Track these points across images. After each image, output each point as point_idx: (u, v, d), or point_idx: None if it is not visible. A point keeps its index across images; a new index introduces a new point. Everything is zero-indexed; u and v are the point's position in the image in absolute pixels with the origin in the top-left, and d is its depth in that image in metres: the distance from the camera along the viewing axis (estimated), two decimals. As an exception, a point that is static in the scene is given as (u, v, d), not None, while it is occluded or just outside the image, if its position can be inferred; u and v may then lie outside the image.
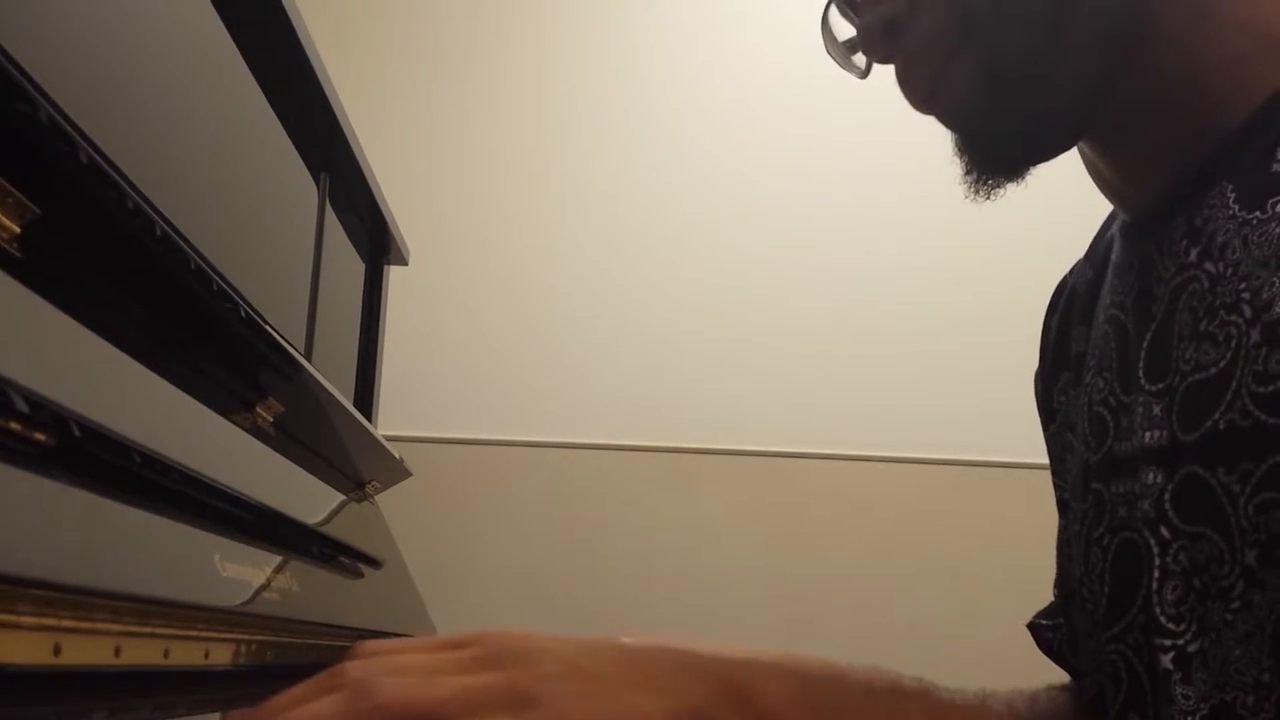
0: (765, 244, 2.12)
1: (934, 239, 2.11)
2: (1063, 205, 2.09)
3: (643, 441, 2.03)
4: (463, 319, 2.09)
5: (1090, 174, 0.62)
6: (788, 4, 2.20)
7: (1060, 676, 0.75)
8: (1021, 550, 2.00)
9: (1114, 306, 0.60)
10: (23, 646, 0.38)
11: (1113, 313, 0.60)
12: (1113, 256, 0.63)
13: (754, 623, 1.93)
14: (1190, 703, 0.50)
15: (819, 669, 0.46)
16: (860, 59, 0.63)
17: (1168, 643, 0.51)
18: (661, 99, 2.18)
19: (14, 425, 0.40)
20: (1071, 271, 0.72)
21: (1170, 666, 0.51)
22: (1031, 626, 0.78)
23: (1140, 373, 0.56)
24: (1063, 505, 0.69)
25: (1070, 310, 0.69)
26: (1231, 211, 0.51)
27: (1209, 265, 0.51)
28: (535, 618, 1.89)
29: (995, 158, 0.58)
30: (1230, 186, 0.51)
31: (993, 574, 1.96)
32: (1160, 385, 0.54)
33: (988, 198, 0.60)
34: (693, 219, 2.13)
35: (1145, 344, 0.56)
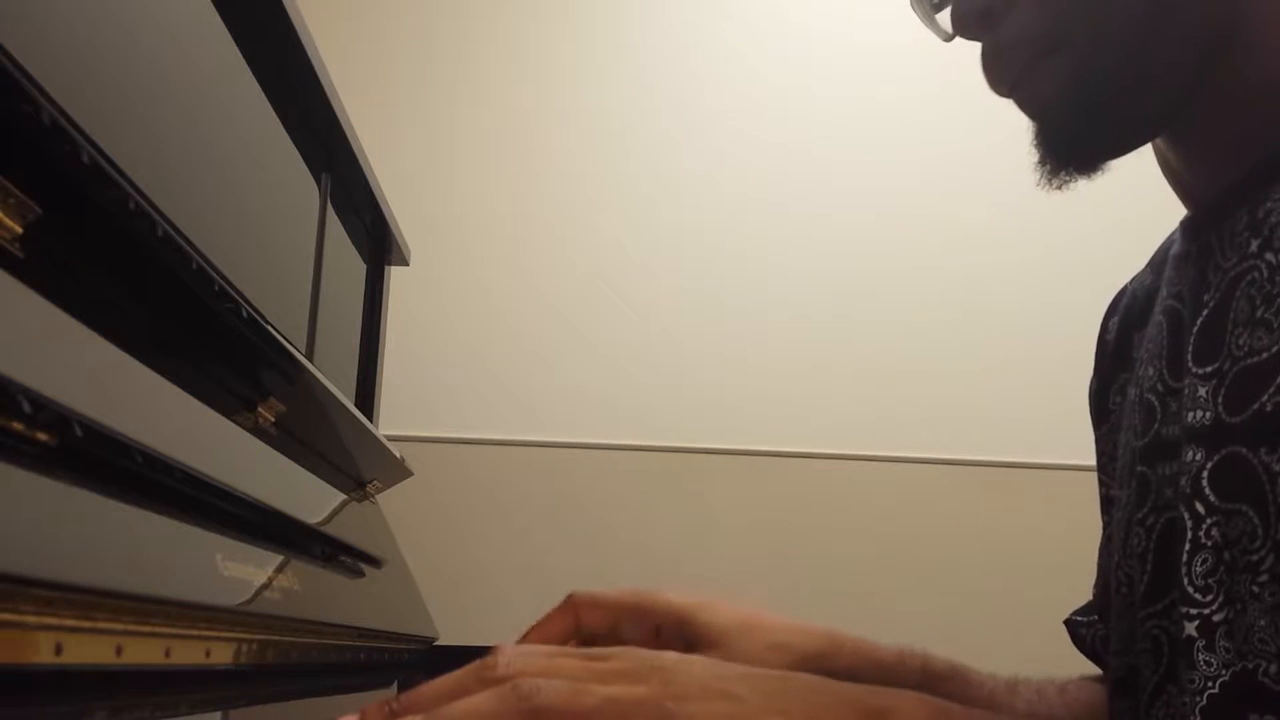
0: (766, 244, 2.12)
1: (935, 240, 2.11)
2: (1065, 206, 2.09)
3: (643, 441, 2.03)
4: (463, 319, 2.09)
5: (1159, 164, 0.64)
6: (789, 4, 2.20)
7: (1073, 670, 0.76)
8: (1022, 550, 2.01)
9: (1170, 297, 0.62)
10: (24, 646, 0.38)
11: (1169, 303, 0.62)
12: (1171, 252, 0.65)
13: (754, 622, 1.93)
14: (1212, 669, 0.51)
15: (948, 700, 0.46)
16: (946, 21, 0.63)
17: (1193, 611, 0.53)
18: (662, 99, 2.18)
19: (16, 425, 0.40)
20: (1133, 279, 0.74)
21: (1194, 634, 0.52)
22: (1068, 623, 0.80)
23: (1190, 357, 0.58)
24: (1108, 503, 0.70)
25: (1130, 314, 0.71)
26: None
27: (1269, 255, 0.53)
28: (536, 617, 1.89)
29: (1073, 153, 0.59)
30: None
31: (993, 574, 1.96)
32: (1209, 369, 0.56)
33: (1058, 189, 0.61)
34: (693, 219, 2.13)
35: (1196, 329, 0.58)
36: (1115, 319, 0.74)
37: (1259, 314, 0.53)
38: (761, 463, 2.03)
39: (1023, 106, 0.60)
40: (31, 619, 0.39)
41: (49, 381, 0.43)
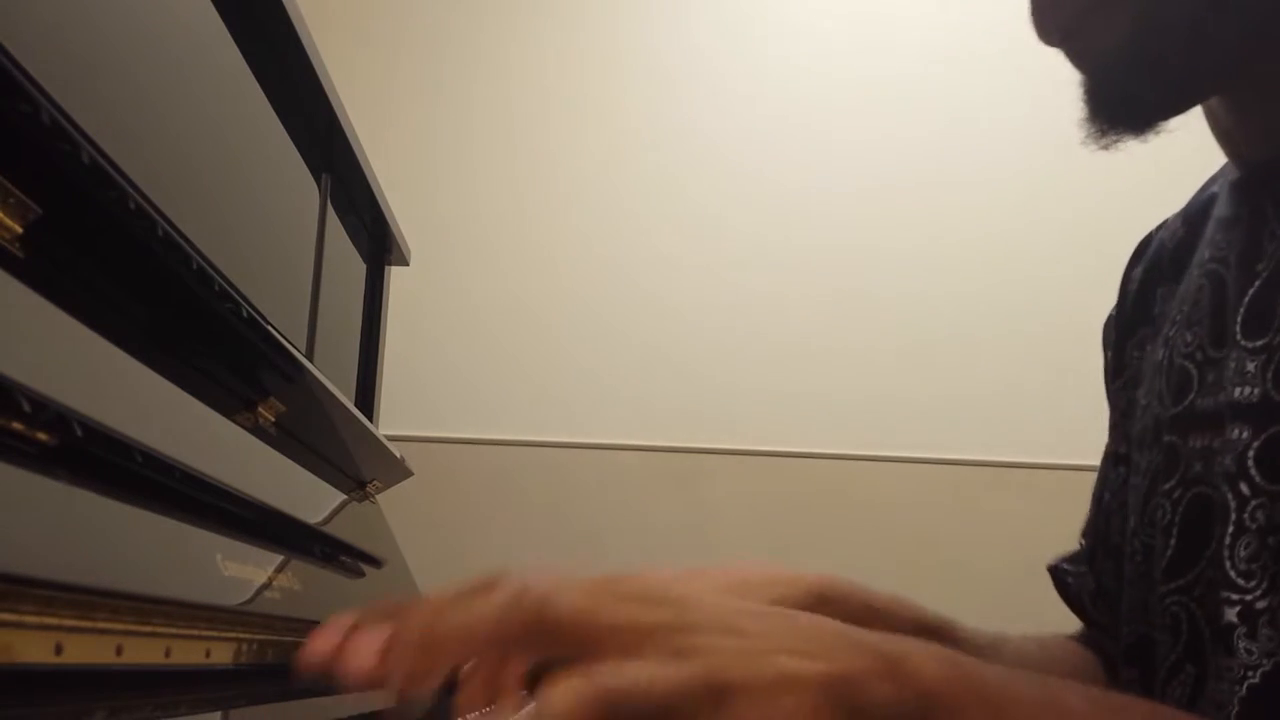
0: (767, 244, 2.12)
1: (936, 240, 2.11)
2: (1066, 207, 2.09)
3: (644, 441, 2.03)
4: (463, 319, 2.09)
5: (1208, 120, 0.60)
6: (788, 8, 2.20)
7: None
8: (1022, 550, 2.01)
9: (1213, 261, 0.59)
10: (25, 645, 0.39)
11: (1211, 266, 0.59)
12: (1215, 212, 0.62)
13: (754, 622, 1.93)
14: (1253, 657, 0.50)
15: (964, 655, 0.45)
16: None
17: (1234, 596, 0.51)
18: (663, 99, 2.18)
19: (16, 425, 0.40)
20: (1161, 227, 0.71)
21: (1235, 620, 0.51)
22: (1054, 570, 0.78)
23: (1238, 328, 0.55)
24: (1116, 459, 0.68)
25: (1157, 265, 0.68)
26: None
27: None
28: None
29: (1127, 109, 0.55)
30: None
31: (993, 574, 1.96)
32: (1260, 342, 0.53)
33: (1105, 148, 0.57)
34: (694, 219, 2.13)
35: (1247, 299, 0.55)
36: (1139, 269, 0.70)
37: None
38: (761, 463, 2.03)
39: (1075, 58, 0.55)
40: (31, 618, 0.39)
41: (49, 381, 0.43)
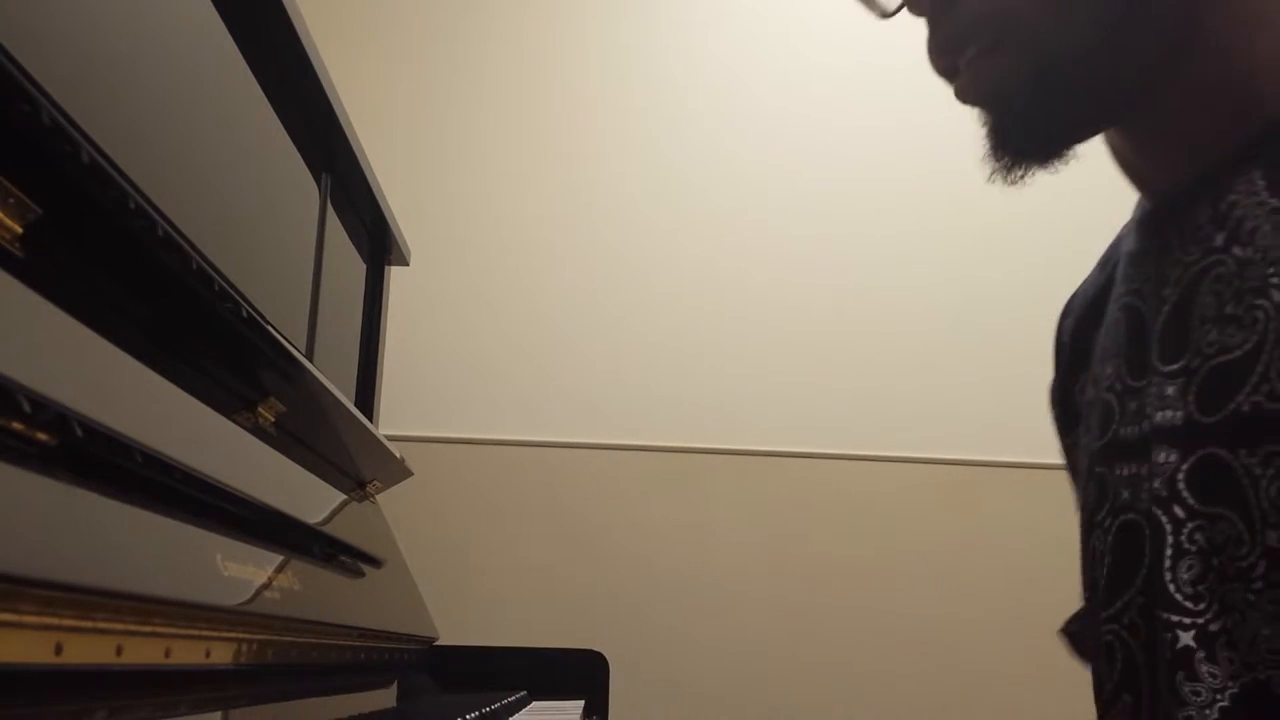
0: (766, 244, 2.12)
1: (936, 240, 2.11)
2: (1065, 207, 2.09)
3: (643, 441, 2.03)
4: (463, 319, 2.09)
5: (1113, 157, 0.62)
6: (786, 6, 2.20)
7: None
8: (1021, 550, 2.01)
9: (1128, 294, 0.60)
10: (25, 645, 0.39)
11: (1126, 300, 0.60)
12: (1125, 248, 0.63)
13: (754, 622, 1.93)
14: (1218, 680, 0.50)
15: None
16: None
17: (1186, 620, 0.51)
18: (663, 99, 2.18)
19: (16, 425, 0.40)
20: (1085, 282, 0.73)
21: (1192, 644, 0.51)
22: (1064, 633, 0.78)
23: (1154, 355, 0.56)
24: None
25: (1085, 315, 0.70)
26: (1261, 198, 0.52)
27: (1236, 250, 0.52)
28: (536, 617, 1.89)
29: (1028, 142, 0.57)
30: (1260, 175, 0.52)
31: (993, 574, 1.96)
32: (1176, 366, 0.54)
33: (1013, 182, 0.59)
34: (693, 219, 2.13)
35: (1159, 326, 0.56)
36: (1069, 320, 0.72)
37: (1227, 310, 0.52)
38: (761, 463, 2.03)
39: (969, 92, 0.57)
40: (31, 619, 0.39)
41: (49, 381, 0.43)
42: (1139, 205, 0.64)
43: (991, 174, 0.59)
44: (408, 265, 1.47)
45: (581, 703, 1.20)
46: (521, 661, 1.28)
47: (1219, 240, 0.53)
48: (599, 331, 2.09)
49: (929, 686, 1.90)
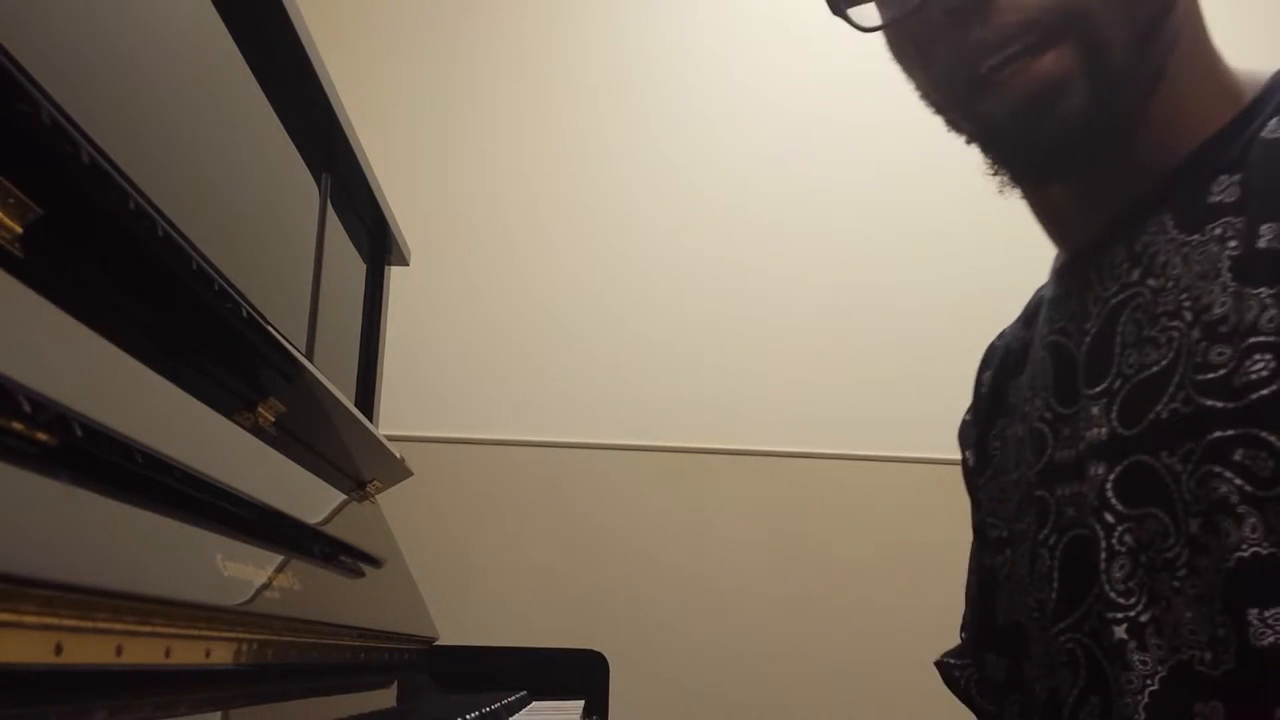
0: (766, 244, 2.12)
1: (935, 240, 2.11)
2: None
3: (643, 441, 2.03)
4: (463, 319, 2.09)
5: (1043, 210, 0.69)
6: (786, 5, 2.20)
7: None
8: (1022, 550, 2.01)
9: (1052, 334, 0.67)
10: (24, 645, 0.39)
11: (1051, 339, 0.67)
12: (1046, 296, 0.70)
13: (754, 623, 1.93)
14: (1148, 666, 0.54)
15: None
16: (867, 13, 0.63)
17: (1119, 615, 0.56)
18: (663, 99, 2.18)
19: (17, 425, 0.40)
20: (1003, 335, 0.79)
21: (1124, 636, 0.55)
22: (940, 665, 0.83)
23: (1081, 381, 0.62)
24: (997, 546, 0.73)
25: (1005, 365, 0.76)
26: (1171, 235, 0.58)
27: (1151, 281, 0.58)
28: (536, 617, 1.89)
29: (1052, 151, 0.59)
30: (1169, 215, 0.59)
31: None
32: (1100, 388, 0.60)
33: (1011, 193, 0.66)
34: (694, 219, 2.13)
35: (1084, 354, 0.62)
36: (989, 372, 0.78)
37: (1145, 333, 0.57)
38: (761, 463, 2.03)
39: (1015, 91, 0.57)
40: (31, 619, 0.39)
41: (49, 381, 0.43)
42: (1057, 258, 0.71)
43: (1004, 183, 0.64)
44: (408, 265, 1.47)
45: (581, 703, 1.20)
46: (521, 661, 1.28)
47: (1135, 275, 0.60)
48: (599, 331, 2.09)
49: (929, 686, 1.90)
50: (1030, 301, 0.76)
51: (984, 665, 0.75)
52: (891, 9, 0.61)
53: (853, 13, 0.63)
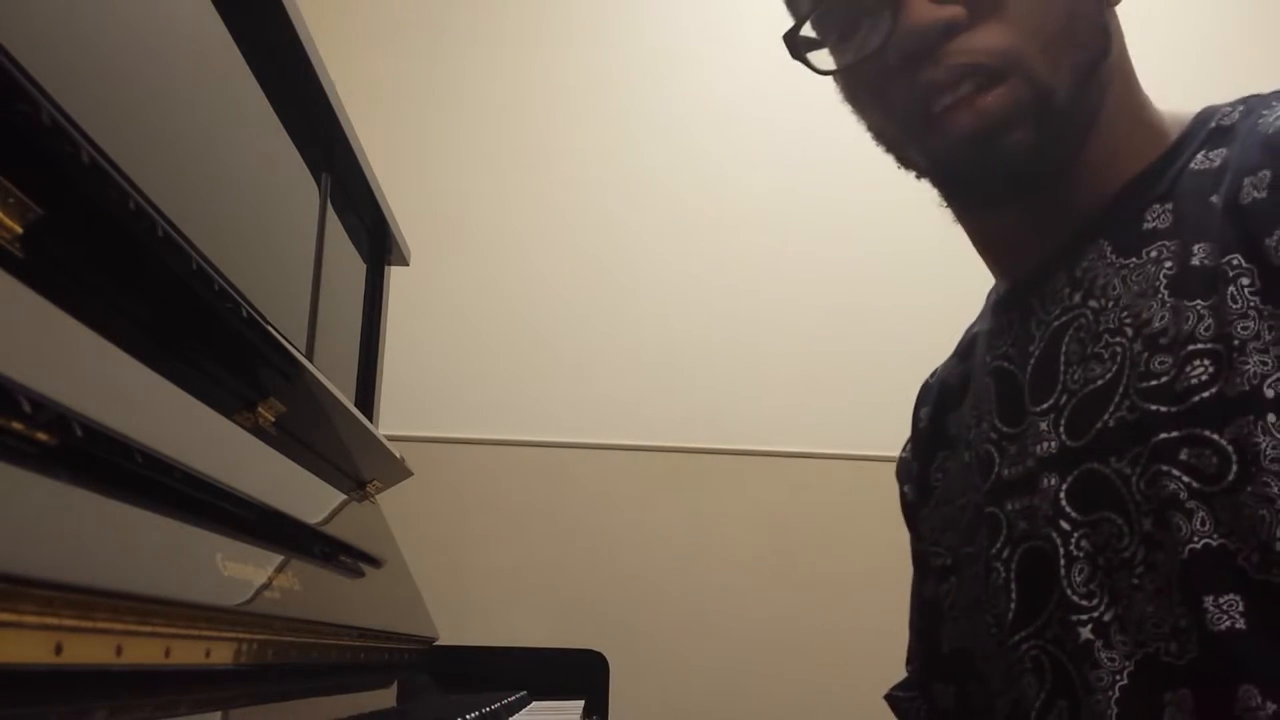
0: (766, 244, 2.12)
1: (935, 239, 2.11)
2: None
3: (643, 441, 2.03)
4: (463, 319, 2.09)
5: (982, 245, 0.73)
6: (782, 6, 2.20)
7: None
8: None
9: (995, 361, 0.71)
10: (24, 645, 0.39)
11: (995, 365, 0.70)
12: (981, 329, 0.75)
13: (755, 623, 1.93)
14: (1116, 663, 0.57)
15: None
16: (824, 58, 0.70)
17: (1084, 617, 0.58)
18: (663, 100, 2.18)
19: (17, 425, 0.40)
20: (935, 373, 0.85)
21: (1091, 636, 0.58)
22: (890, 699, 0.85)
23: (1027, 400, 0.65)
24: (942, 574, 0.75)
25: (943, 400, 0.80)
26: (1109, 260, 0.63)
27: (1092, 302, 0.63)
28: (536, 617, 1.89)
29: (1003, 178, 0.64)
30: (1107, 242, 0.63)
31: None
32: (1046, 405, 0.64)
33: (975, 220, 0.72)
34: (693, 219, 2.13)
35: (1029, 374, 0.66)
36: (926, 408, 0.83)
37: (1090, 350, 0.61)
38: (761, 463, 2.03)
39: (967, 125, 0.61)
40: (31, 619, 0.39)
41: (49, 381, 0.43)
42: (994, 291, 0.76)
43: (954, 216, 0.72)
44: (408, 265, 1.47)
45: (581, 703, 1.20)
46: (521, 661, 1.28)
47: (1076, 298, 0.64)
48: (599, 331, 2.09)
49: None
50: (963, 339, 0.83)
51: (932, 695, 0.77)
52: (847, 55, 0.68)
53: (811, 56, 0.71)
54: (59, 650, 0.40)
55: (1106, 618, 0.58)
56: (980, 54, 0.60)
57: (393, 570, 1.10)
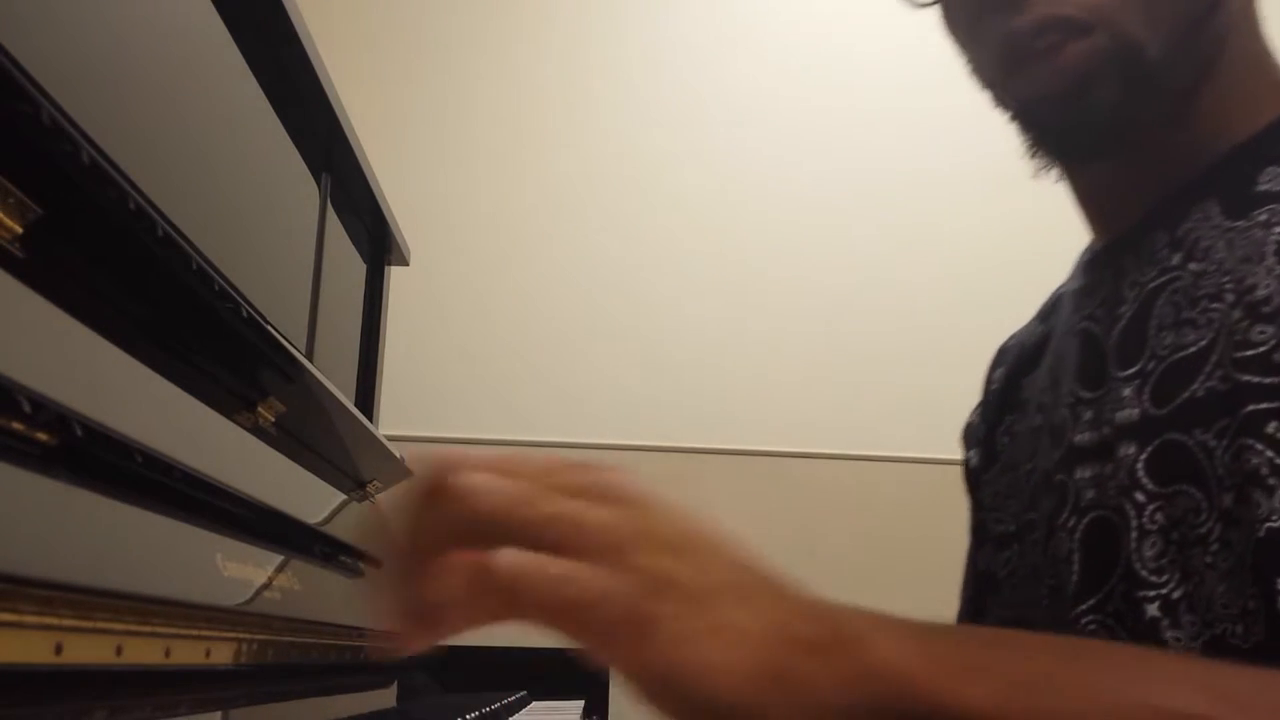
0: (766, 244, 2.12)
1: (935, 240, 2.11)
2: (1064, 208, 2.09)
3: (643, 441, 2.03)
4: (463, 319, 2.09)
5: (1081, 192, 0.69)
6: (785, 3, 2.20)
7: None
8: (1022, 550, 2.01)
9: (1081, 322, 0.67)
10: (24, 645, 0.39)
11: (1080, 326, 0.67)
12: (1070, 289, 0.71)
13: (754, 622, 1.93)
14: (1181, 644, 0.54)
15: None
16: None
17: (1151, 594, 0.56)
18: (663, 98, 2.18)
19: (17, 425, 0.40)
20: (1014, 335, 0.81)
21: (1158, 614, 0.55)
22: None
23: (1111, 364, 0.62)
24: (1005, 540, 0.73)
25: (1020, 362, 0.77)
26: (1216, 222, 0.59)
27: (1192, 265, 0.59)
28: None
29: (1086, 135, 0.61)
30: (1216, 202, 0.59)
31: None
32: (1132, 370, 0.60)
33: (1046, 174, 0.66)
34: (693, 219, 2.13)
35: (1116, 337, 0.62)
36: (1000, 370, 0.79)
37: (1183, 315, 0.58)
38: (761, 463, 2.03)
39: (1054, 77, 0.59)
40: (31, 619, 0.39)
41: (49, 381, 0.43)
42: (1087, 250, 0.72)
43: (1041, 166, 0.65)
44: (408, 265, 1.47)
45: (581, 703, 1.20)
46: (521, 661, 1.28)
47: (1175, 259, 0.60)
48: (599, 331, 2.09)
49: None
50: (1047, 300, 0.78)
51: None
52: None
53: None
54: (59, 650, 0.40)
55: (1175, 595, 0.55)
56: (1068, 4, 0.58)
57: (393, 570, 1.09)
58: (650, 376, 2.07)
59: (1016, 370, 0.77)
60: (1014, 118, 0.65)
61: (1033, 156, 0.65)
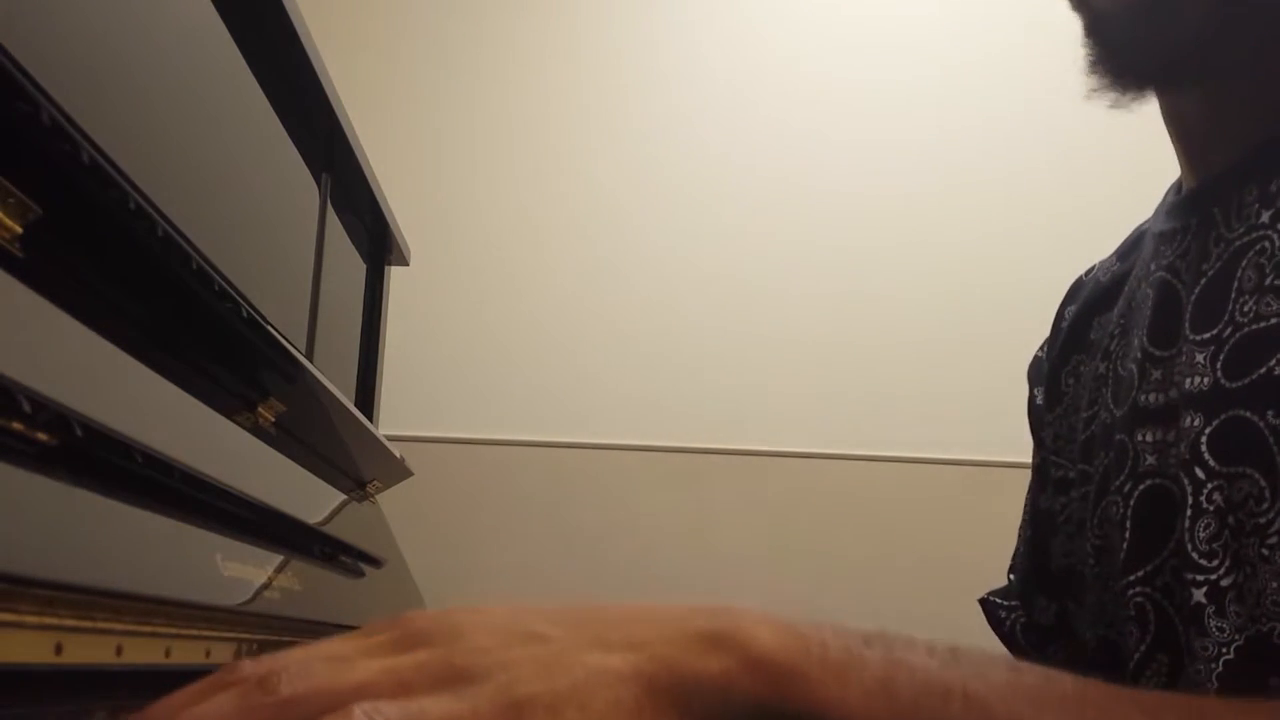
0: (767, 244, 2.12)
1: (936, 240, 2.11)
2: (1066, 207, 2.09)
3: (644, 441, 2.03)
4: (463, 319, 2.09)
5: (1173, 123, 0.61)
6: (786, 4, 2.20)
7: None
8: (1022, 550, 2.01)
9: (1160, 270, 0.61)
10: (24, 645, 0.39)
11: (1159, 275, 0.61)
12: (1155, 229, 0.64)
13: (754, 622, 1.93)
14: (1225, 634, 0.51)
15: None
16: None
17: (1199, 577, 0.52)
18: (664, 98, 2.18)
19: (16, 425, 0.40)
20: (1093, 269, 0.74)
21: (1203, 600, 0.51)
22: (985, 603, 0.79)
23: (1186, 324, 0.56)
24: (1059, 486, 0.69)
25: (1093, 300, 0.71)
26: None
27: None
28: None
29: (1162, 53, 0.55)
30: None
31: (993, 574, 1.96)
32: (1207, 335, 0.55)
33: (1112, 105, 0.58)
34: (693, 220, 2.13)
35: (1194, 297, 0.56)
36: (1073, 307, 0.73)
37: (1268, 281, 0.52)
38: (761, 463, 2.03)
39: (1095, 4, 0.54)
40: (31, 619, 0.39)
41: (49, 381, 0.43)
42: (1173, 189, 0.64)
43: (1090, 91, 0.57)
44: (408, 265, 1.47)
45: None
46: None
47: (1265, 218, 0.53)
48: (599, 331, 2.09)
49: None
50: (1129, 236, 0.71)
51: (1033, 609, 0.72)
52: None
53: None
54: (59, 650, 0.40)
55: (1224, 583, 0.51)
56: None
57: (393, 570, 1.10)
58: (651, 376, 2.07)
59: (1088, 309, 0.71)
60: (1084, 31, 0.58)
61: (1091, 73, 0.58)
